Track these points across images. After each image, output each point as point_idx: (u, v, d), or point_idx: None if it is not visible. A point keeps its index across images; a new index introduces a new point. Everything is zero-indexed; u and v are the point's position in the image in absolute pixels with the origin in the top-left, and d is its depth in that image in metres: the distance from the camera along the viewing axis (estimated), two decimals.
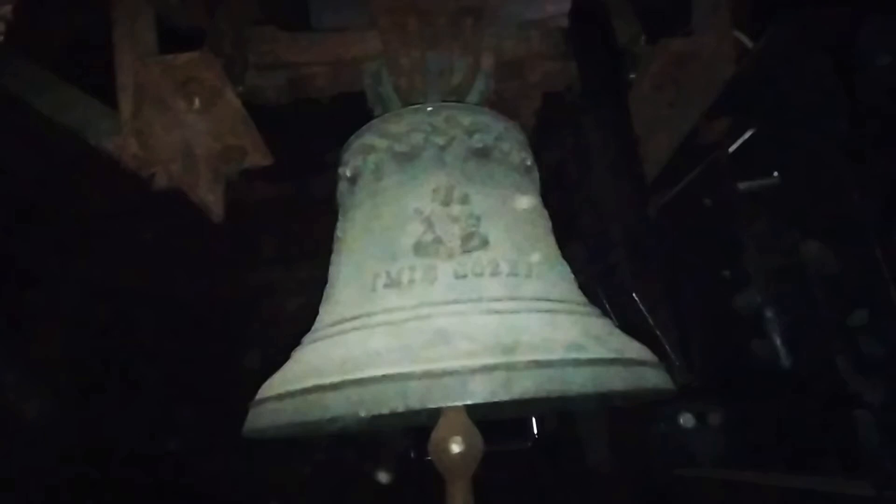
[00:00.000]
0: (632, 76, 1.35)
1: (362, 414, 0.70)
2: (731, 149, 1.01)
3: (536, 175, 1.16)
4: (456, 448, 0.82)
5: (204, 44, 1.36)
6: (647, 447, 1.46)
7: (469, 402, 0.70)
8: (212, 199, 1.40)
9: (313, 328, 1.00)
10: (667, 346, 1.05)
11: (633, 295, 1.08)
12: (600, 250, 1.18)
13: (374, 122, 1.11)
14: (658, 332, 1.04)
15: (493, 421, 1.09)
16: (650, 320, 1.06)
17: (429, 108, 1.07)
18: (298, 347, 0.97)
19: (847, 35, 0.97)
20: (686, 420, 1.25)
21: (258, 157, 1.46)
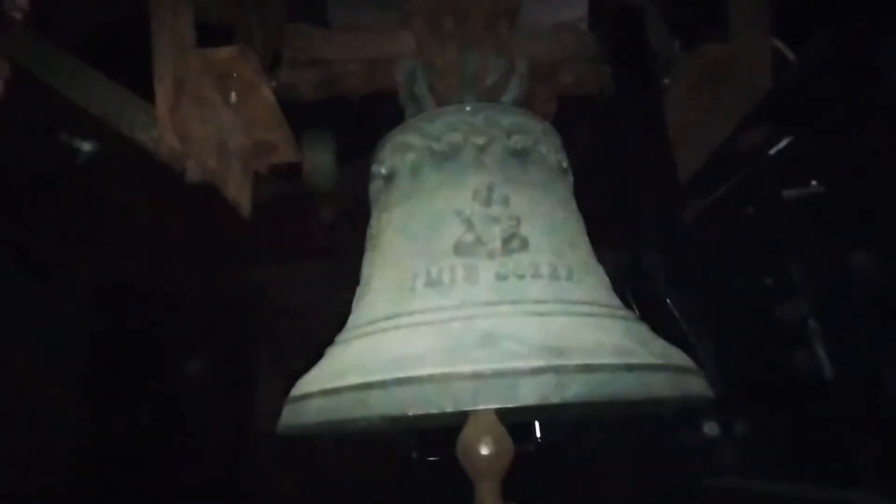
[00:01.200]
0: (666, 81, 1.35)
1: (410, 413, 0.70)
2: (772, 152, 1.00)
3: (571, 178, 1.16)
4: (486, 450, 0.79)
5: (234, 39, 1.37)
6: (670, 457, 1.45)
7: (520, 405, 0.69)
8: (241, 194, 1.40)
9: (347, 326, 1.00)
10: (701, 355, 1.04)
11: (668, 301, 1.07)
12: (633, 256, 1.18)
13: (410, 120, 1.11)
14: (692, 340, 1.03)
15: None
16: (684, 327, 1.05)
17: (467, 108, 1.07)
18: (333, 345, 0.97)
19: (888, 45, 0.97)
20: (711, 429, 1.24)
21: (288, 153, 1.46)
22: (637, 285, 1.17)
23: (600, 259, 1.07)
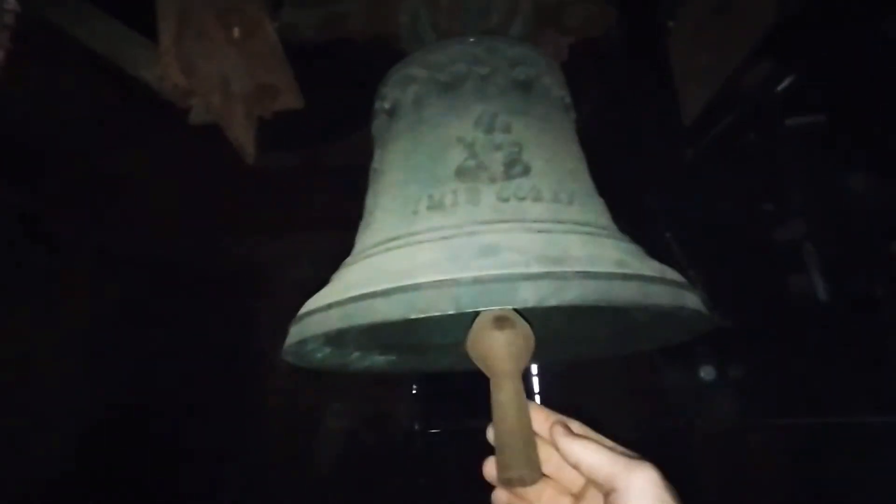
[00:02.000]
0: (671, 24, 1.33)
1: (412, 316, 0.71)
2: (779, 89, 1.00)
3: (574, 115, 1.16)
4: (502, 336, 0.73)
5: None
6: (665, 400, 1.47)
7: (519, 306, 0.71)
8: (245, 139, 1.40)
9: (353, 252, 1.01)
10: (699, 287, 1.05)
11: (667, 235, 1.08)
12: (637, 194, 1.19)
13: (415, 53, 1.11)
14: (692, 273, 1.05)
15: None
16: (684, 261, 1.06)
17: (471, 39, 1.07)
18: (338, 270, 0.99)
19: None
20: (707, 373, 1.26)
21: (290, 99, 1.47)
22: (641, 222, 1.18)
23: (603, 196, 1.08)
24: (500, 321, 0.73)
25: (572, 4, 1.37)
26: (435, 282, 0.73)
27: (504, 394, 0.71)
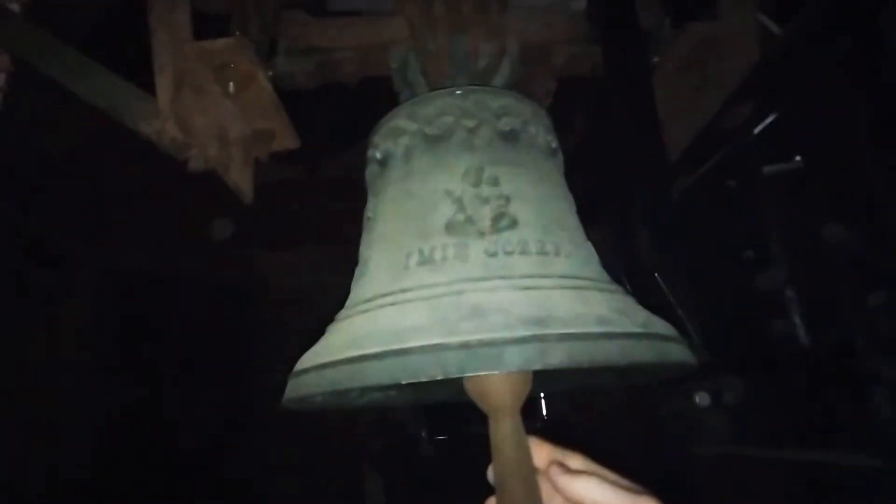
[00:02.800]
0: (656, 59, 1.36)
1: (403, 381, 0.75)
2: (756, 131, 1.02)
3: (561, 158, 1.19)
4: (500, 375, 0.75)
5: (230, 27, 1.40)
6: (663, 426, 1.49)
7: (504, 371, 0.74)
8: (243, 182, 1.44)
9: (347, 305, 1.04)
10: (688, 325, 1.08)
11: (656, 275, 1.10)
12: (624, 232, 1.21)
13: (403, 105, 1.14)
14: (679, 312, 1.07)
15: None
16: (672, 299, 1.09)
17: (458, 92, 1.10)
18: (333, 323, 1.02)
19: (872, 21, 0.98)
20: (702, 399, 1.29)
21: (287, 141, 1.51)
22: (628, 261, 1.20)
23: (591, 234, 1.11)
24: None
25: (558, 44, 1.40)
26: (424, 346, 0.76)
27: (502, 430, 0.73)
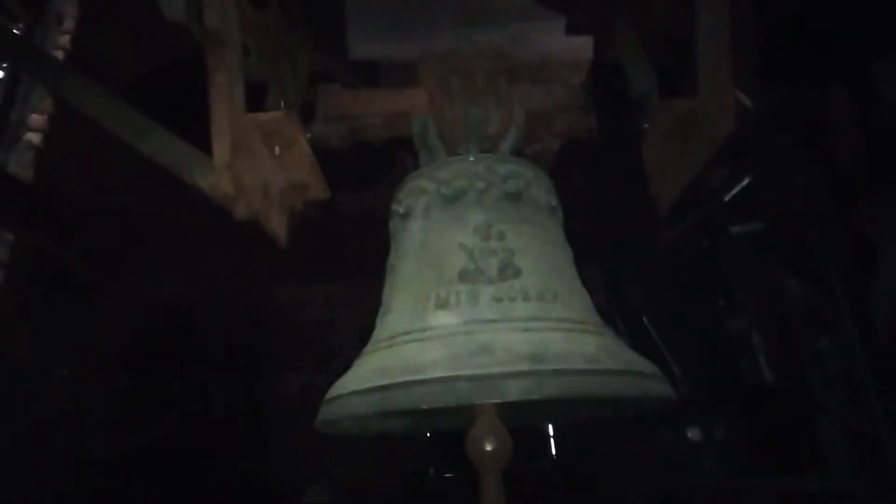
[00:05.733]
0: (646, 125, 1.55)
1: (423, 407, 0.90)
2: (726, 198, 1.19)
3: (560, 214, 1.36)
4: (489, 446, 0.96)
5: (270, 93, 1.62)
6: (653, 460, 1.61)
7: (506, 400, 0.89)
8: (279, 229, 1.63)
9: (372, 340, 1.21)
10: (671, 363, 1.22)
11: (644, 319, 1.26)
12: (616, 279, 1.37)
13: (424, 168, 1.33)
14: (664, 351, 1.22)
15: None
16: (658, 341, 1.24)
17: (471, 159, 1.29)
18: (360, 357, 1.18)
19: (824, 103, 1.16)
20: (693, 434, 1.41)
21: (319, 192, 1.70)
22: (620, 305, 1.36)
23: (586, 276, 1.27)
24: (489, 438, 0.95)
25: (559, 112, 1.60)
26: (440, 378, 0.91)
27: (486, 486, 0.92)
